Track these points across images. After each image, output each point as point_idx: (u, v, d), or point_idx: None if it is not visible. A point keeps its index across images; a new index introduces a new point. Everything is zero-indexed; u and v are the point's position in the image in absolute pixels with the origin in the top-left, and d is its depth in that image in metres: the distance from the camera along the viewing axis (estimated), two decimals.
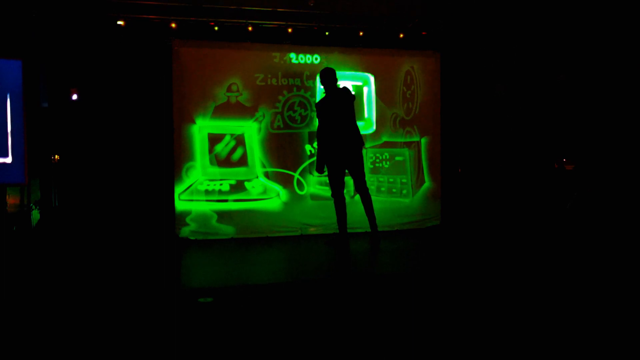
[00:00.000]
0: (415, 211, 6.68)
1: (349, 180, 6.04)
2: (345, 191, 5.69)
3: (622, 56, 6.27)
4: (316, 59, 6.36)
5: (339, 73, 6.32)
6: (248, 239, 6.04)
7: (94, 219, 5.83)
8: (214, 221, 6.05)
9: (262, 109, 6.20)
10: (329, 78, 5.45)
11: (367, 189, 5.55)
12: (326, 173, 6.12)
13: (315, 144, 6.35)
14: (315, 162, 5.80)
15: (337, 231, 5.67)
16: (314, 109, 6.35)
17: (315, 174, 6.34)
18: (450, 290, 4.10)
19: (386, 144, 6.58)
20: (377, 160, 6.51)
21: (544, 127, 6.97)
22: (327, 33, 6.54)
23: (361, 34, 6.64)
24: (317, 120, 6.30)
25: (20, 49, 5.38)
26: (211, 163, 6.07)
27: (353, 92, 5.49)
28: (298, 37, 6.46)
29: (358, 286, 4.22)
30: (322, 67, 6.31)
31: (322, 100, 5.57)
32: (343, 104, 5.42)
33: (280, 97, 6.26)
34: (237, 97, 6.13)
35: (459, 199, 6.90)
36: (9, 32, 5.42)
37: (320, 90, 6.38)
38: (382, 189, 6.57)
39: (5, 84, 5.15)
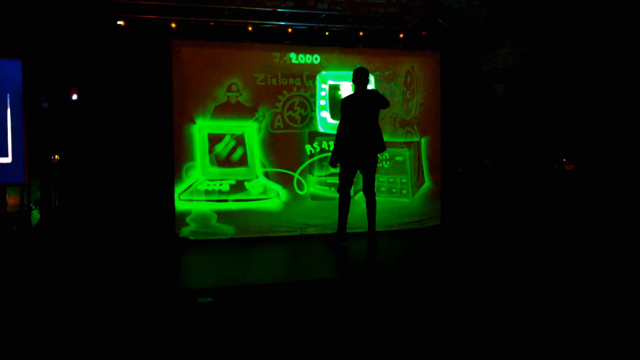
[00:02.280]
0: (415, 211, 6.68)
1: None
2: None
3: (622, 56, 6.26)
4: (316, 59, 6.36)
5: (338, 73, 6.34)
6: (248, 239, 6.03)
7: (94, 219, 5.83)
8: (214, 221, 6.05)
9: (262, 109, 6.20)
10: (362, 77, 5.45)
11: (374, 194, 5.57)
12: (331, 171, 6.14)
13: (315, 144, 6.35)
14: (329, 156, 5.75)
15: (336, 231, 5.68)
16: (314, 108, 6.36)
17: (315, 173, 6.35)
18: (451, 290, 4.10)
19: (386, 144, 6.56)
20: (378, 160, 6.50)
21: (543, 127, 6.97)
22: (327, 33, 6.54)
23: (361, 34, 6.64)
24: (316, 120, 6.35)
25: (20, 49, 5.38)
26: (211, 163, 6.07)
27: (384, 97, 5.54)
28: (298, 37, 6.46)
29: (358, 286, 4.22)
30: (322, 67, 6.35)
31: (350, 96, 5.55)
32: (371, 106, 5.44)
33: (280, 97, 6.26)
34: (237, 97, 6.13)
35: (459, 199, 6.90)
36: (9, 32, 5.42)
37: (320, 89, 6.38)
38: (382, 189, 6.57)
39: (5, 84, 5.15)
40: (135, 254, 5.25)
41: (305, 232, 6.30)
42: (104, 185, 5.87)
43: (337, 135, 5.52)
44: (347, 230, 5.69)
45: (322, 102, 6.37)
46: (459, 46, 6.98)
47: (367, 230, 5.66)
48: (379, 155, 5.70)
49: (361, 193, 5.98)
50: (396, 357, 2.87)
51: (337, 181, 5.69)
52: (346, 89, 6.30)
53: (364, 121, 5.40)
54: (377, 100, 5.45)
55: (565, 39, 6.65)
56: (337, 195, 5.75)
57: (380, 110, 5.84)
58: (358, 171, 5.59)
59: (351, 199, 6.21)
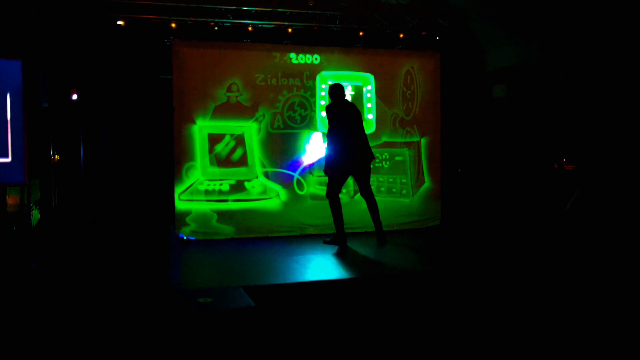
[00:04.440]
0: (415, 211, 6.68)
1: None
2: (345, 191, 5.69)
3: (622, 56, 6.26)
4: (316, 59, 6.36)
5: (339, 73, 6.36)
6: (248, 239, 6.04)
7: (93, 219, 5.82)
8: (214, 221, 6.05)
9: (262, 109, 6.20)
10: (339, 93, 5.53)
11: (372, 194, 5.58)
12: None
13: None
14: (320, 162, 5.76)
15: (335, 232, 5.69)
16: (314, 108, 6.36)
17: (315, 173, 6.35)
18: (451, 290, 4.10)
19: (386, 144, 6.58)
20: (377, 160, 6.51)
21: (543, 127, 6.97)
22: (327, 33, 6.54)
23: (361, 34, 6.64)
24: (316, 120, 6.35)
25: (20, 49, 5.38)
26: (211, 163, 6.07)
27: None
28: (298, 37, 6.46)
29: (358, 286, 4.22)
30: (322, 67, 6.35)
31: (333, 104, 5.56)
32: (357, 116, 5.51)
33: (280, 97, 6.26)
34: (237, 97, 6.13)
35: (459, 199, 6.90)
36: (9, 32, 5.42)
37: (320, 89, 6.39)
38: (382, 189, 6.56)
39: (5, 84, 5.15)
40: (135, 254, 5.25)
41: (305, 232, 6.30)
42: (104, 185, 5.87)
43: (328, 141, 5.51)
44: (348, 231, 5.70)
45: (322, 102, 6.37)
46: (459, 46, 6.98)
47: (367, 230, 5.67)
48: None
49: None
50: (398, 357, 2.87)
51: None
52: (346, 89, 6.32)
53: (353, 128, 5.44)
54: (359, 113, 5.57)
55: (566, 38, 6.65)
56: None
57: (380, 110, 5.86)
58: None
59: (351, 199, 6.23)
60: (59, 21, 5.74)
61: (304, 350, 2.95)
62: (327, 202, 6.27)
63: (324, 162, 5.60)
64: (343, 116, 5.44)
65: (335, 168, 5.47)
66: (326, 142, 5.53)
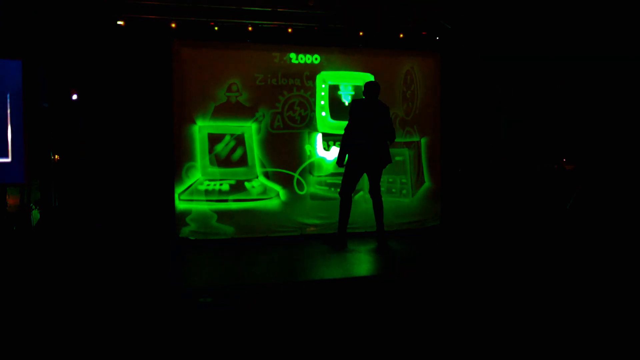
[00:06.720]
0: (415, 211, 6.68)
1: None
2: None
3: (622, 55, 6.27)
4: (316, 59, 6.36)
5: (339, 73, 6.35)
6: (248, 239, 6.04)
7: (94, 219, 5.83)
8: (213, 221, 6.05)
9: (262, 109, 6.20)
10: (371, 91, 5.53)
11: (380, 195, 5.61)
12: (331, 171, 6.14)
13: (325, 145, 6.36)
14: (337, 156, 5.74)
15: (337, 231, 5.69)
16: (314, 109, 6.36)
17: (315, 173, 6.35)
18: (450, 291, 4.11)
19: None
20: None
21: (543, 127, 6.97)
22: (327, 33, 6.54)
23: (361, 34, 6.64)
24: (317, 118, 6.36)
25: (20, 49, 5.39)
26: (211, 163, 6.07)
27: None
28: (298, 37, 6.46)
29: (358, 286, 4.23)
30: (322, 67, 6.36)
31: (361, 100, 5.59)
32: (382, 117, 5.50)
33: (280, 97, 6.26)
34: (237, 97, 6.13)
35: (459, 199, 6.90)
36: (9, 32, 5.43)
37: (320, 89, 6.38)
38: (382, 188, 6.53)
39: (5, 84, 5.15)
40: (135, 254, 5.26)
41: (305, 232, 6.30)
42: (104, 186, 5.88)
43: (344, 136, 5.53)
44: (349, 231, 5.70)
45: (322, 102, 6.37)
46: (459, 46, 6.98)
47: (367, 230, 5.67)
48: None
49: (361, 193, 5.97)
50: (397, 357, 2.88)
51: (337, 181, 5.70)
52: (346, 89, 6.32)
53: (374, 126, 5.45)
54: (387, 117, 5.54)
55: (566, 38, 6.66)
56: (336, 195, 5.77)
57: None
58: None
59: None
60: (59, 21, 5.74)
61: (303, 351, 2.95)
62: (327, 202, 6.30)
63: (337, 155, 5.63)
64: (365, 114, 5.45)
65: (348, 163, 5.49)
66: (343, 136, 5.56)
